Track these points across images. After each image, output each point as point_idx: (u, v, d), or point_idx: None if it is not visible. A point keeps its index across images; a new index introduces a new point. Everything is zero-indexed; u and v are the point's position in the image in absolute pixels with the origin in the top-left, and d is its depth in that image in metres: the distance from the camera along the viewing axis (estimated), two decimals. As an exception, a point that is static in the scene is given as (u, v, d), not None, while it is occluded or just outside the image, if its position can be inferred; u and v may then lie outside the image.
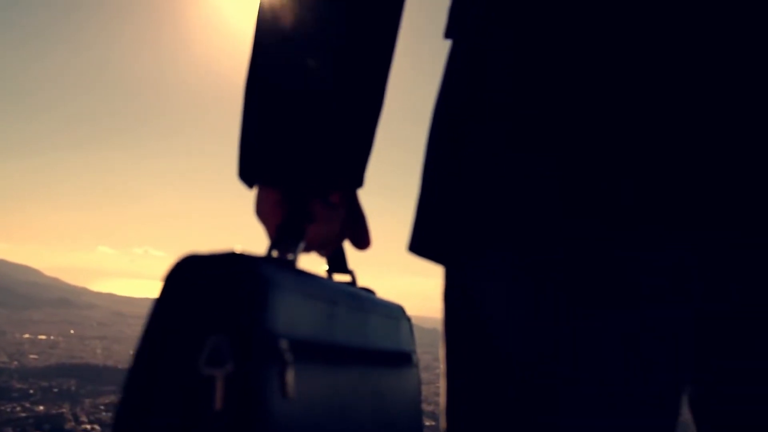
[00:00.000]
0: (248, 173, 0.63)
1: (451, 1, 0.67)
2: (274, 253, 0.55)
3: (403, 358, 0.69)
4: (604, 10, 0.54)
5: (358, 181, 0.66)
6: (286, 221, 0.59)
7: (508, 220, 0.58)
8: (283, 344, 0.45)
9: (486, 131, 0.59)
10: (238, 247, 0.46)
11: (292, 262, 0.56)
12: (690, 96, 0.52)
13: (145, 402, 0.44)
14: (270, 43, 0.62)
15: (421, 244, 0.67)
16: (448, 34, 0.67)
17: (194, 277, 0.45)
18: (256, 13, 0.64)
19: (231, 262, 0.45)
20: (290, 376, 0.45)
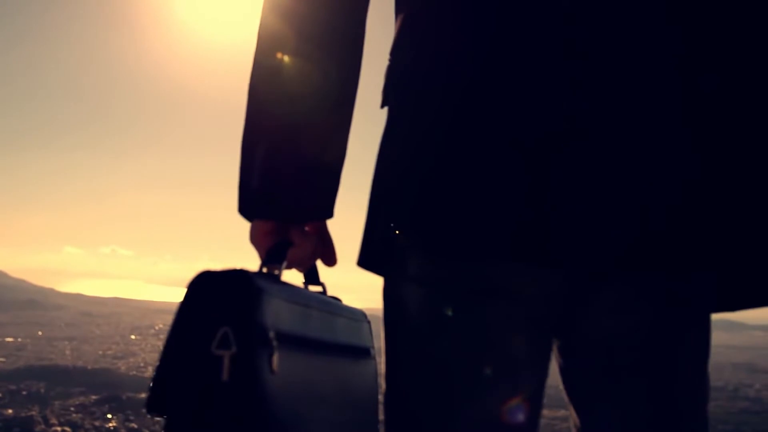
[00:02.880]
0: (248, 211, 0.82)
1: (384, 84, 0.88)
2: (265, 269, 0.74)
3: (363, 352, 0.87)
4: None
5: (328, 215, 0.84)
6: (273, 246, 0.78)
7: (413, 247, 0.79)
8: (271, 334, 0.64)
9: (403, 178, 0.80)
10: (239, 265, 0.65)
11: (278, 276, 0.75)
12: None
13: (172, 375, 0.61)
14: (267, 116, 0.81)
15: (364, 260, 0.87)
16: (384, 104, 0.87)
17: (209, 286, 0.63)
18: (250, 79, 0.83)
19: (235, 276, 0.64)
20: (276, 357, 0.63)
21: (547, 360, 0.82)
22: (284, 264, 0.77)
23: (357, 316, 0.89)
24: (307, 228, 0.85)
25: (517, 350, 0.77)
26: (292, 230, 0.82)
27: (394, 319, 0.84)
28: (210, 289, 0.63)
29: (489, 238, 0.73)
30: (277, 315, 0.66)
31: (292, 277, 0.84)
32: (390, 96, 0.86)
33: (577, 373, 0.83)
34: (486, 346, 0.76)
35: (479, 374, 0.76)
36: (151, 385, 0.61)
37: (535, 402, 0.81)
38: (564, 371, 0.84)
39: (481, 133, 0.74)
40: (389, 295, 0.85)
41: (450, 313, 0.77)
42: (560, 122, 0.72)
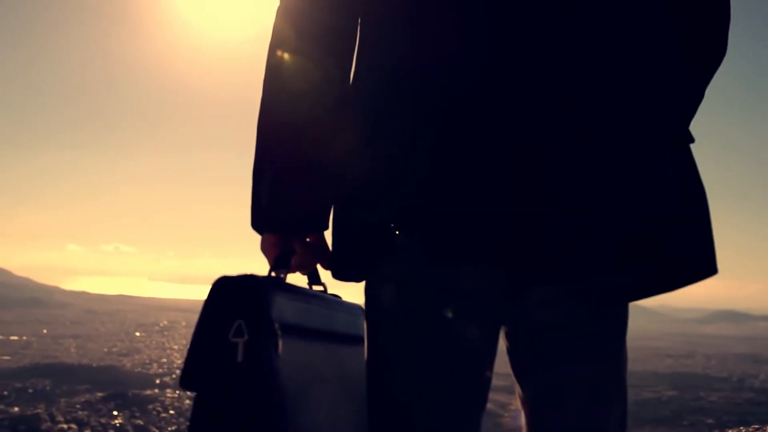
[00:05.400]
0: (259, 226, 0.95)
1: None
2: (273, 274, 0.90)
3: (359, 340, 1.00)
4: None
5: (325, 227, 0.98)
6: (279, 255, 0.93)
7: (378, 253, 0.90)
8: (276, 326, 0.80)
9: (364, 197, 0.90)
10: (251, 271, 0.81)
11: (283, 279, 0.90)
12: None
13: (199, 358, 0.78)
14: (272, 117, 0.93)
15: (340, 271, 0.96)
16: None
17: (226, 288, 0.79)
18: (260, 109, 0.95)
19: (247, 279, 0.80)
20: (280, 344, 0.80)
21: (496, 344, 0.97)
22: (289, 269, 0.92)
23: (355, 310, 1.03)
24: (307, 239, 0.98)
25: (473, 337, 0.92)
26: (295, 241, 0.95)
27: (374, 317, 0.96)
28: (227, 291, 0.80)
29: (470, 244, 0.85)
30: (281, 310, 0.82)
31: (298, 279, 0.98)
32: (367, 101, 0.92)
33: (520, 353, 0.98)
34: (452, 334, 0.91)
35: (447, 358, 0.91)
36: (183, 366, 0.78)
37: (485, 378, 0.96)
38: (510, 352, 1.00)
39: (474, 139, 0.83)
40: (369, 294, 0.97)
41: (422, 309, 0.90)
42: (548, 134, 0.82)
